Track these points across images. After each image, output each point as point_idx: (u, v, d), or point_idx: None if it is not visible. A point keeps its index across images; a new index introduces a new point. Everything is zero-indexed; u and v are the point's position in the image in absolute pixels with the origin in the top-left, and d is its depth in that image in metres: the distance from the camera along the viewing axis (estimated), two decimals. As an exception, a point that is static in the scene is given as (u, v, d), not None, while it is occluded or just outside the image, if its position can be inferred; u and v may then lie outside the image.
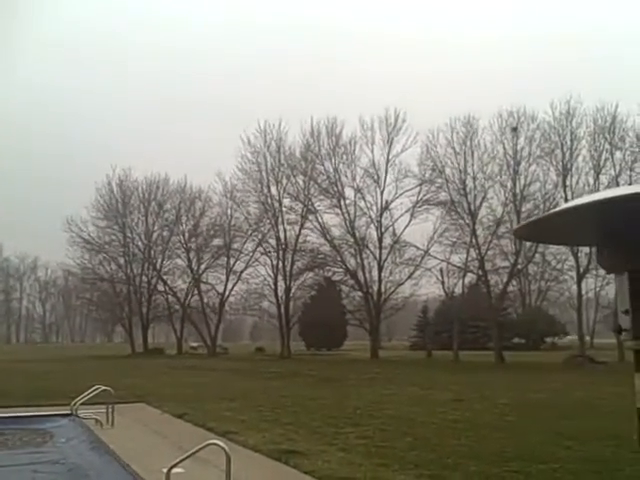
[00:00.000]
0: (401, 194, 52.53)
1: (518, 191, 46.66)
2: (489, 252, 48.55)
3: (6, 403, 17.03)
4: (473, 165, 47.87)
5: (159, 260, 62.46)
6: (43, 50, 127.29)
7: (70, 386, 21.51)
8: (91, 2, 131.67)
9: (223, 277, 60.43)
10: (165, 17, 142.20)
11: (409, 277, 53.85)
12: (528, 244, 44.32)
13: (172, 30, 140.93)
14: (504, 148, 47.13)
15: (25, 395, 19.39)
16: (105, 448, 11.08)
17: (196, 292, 61.45)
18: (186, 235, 61.60)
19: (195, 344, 66.67)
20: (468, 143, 47.84)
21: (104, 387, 13.58)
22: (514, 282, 55.36)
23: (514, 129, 46.68)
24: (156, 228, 62.33)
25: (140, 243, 62.24)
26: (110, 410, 13.19)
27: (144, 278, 63.09)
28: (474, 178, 47.94)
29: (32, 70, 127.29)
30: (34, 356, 52.35)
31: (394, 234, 53.75)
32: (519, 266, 49.55)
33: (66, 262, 64.63)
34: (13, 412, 15.43)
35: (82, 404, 13.99)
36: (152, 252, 62.19)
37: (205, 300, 61.34)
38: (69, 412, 14.27)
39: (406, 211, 52.46)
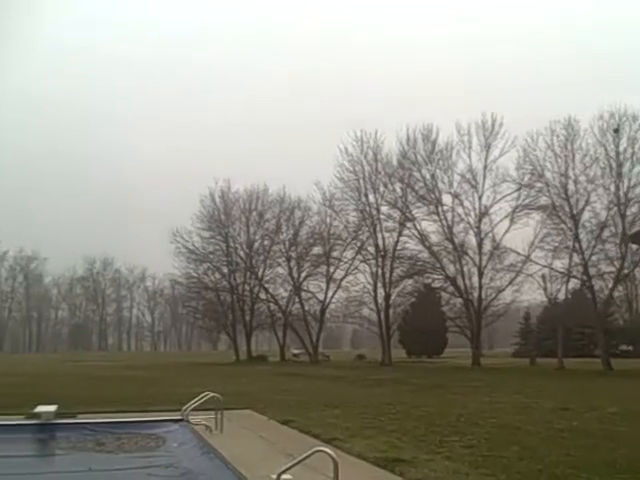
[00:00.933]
0: (500, 199, 51.87)
1: (622, 194, 45.14)
2: (593, 257, 47.11)
3: (121, 408, 17.79)
4: (574, 168, 46.77)
5: (261, 269, 63.60)
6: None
7: (179, 392, 22.25)
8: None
9: (323, 285, 60.98)
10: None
11: (510, 283, 52.87)
12: (634, 247, 42.80)
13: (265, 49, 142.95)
14: (606, 150, 45.82)
15: (138, 401, 20.18)
16: (215, 453, 11.37)
17: (297, 300, 62.17)
18: (286, 244, 62.49)
19: (297, 351, 67.39)
20: (569, 146, 46.76)
21: (213, 394, 13.94)
22: (620, 287, 53.40)
23: (616, 130, 45.25)
24: (257, 237, 63.57)
25: (242, 252, 63.56)
26: (219, 416, 13.53)
27: (247, 287, 64.35)
28: (575, 182, 46.83)
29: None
30: (144, 363, 54.18)
31: (494, 240, 52.98)
32: (625, 271, 47.82)
33: (172, 272, 66.81)
34: (128, 417, 16.09)
35: (192, 410, 14.40)
36: (254, 261, 63.37)
37: (306, 308, 61.98)
38: (180, 418, 14.71)
39: (505, 216, 51.70)
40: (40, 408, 15.34)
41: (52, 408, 15.33)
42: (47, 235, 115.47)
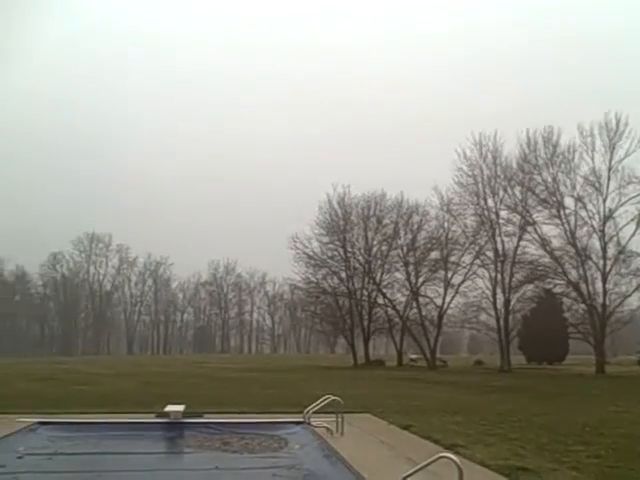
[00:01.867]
0: (625, 202, 49.88)
1: None
2: None
3: (244, 409, 18.30)
4: None
5: (378, 274, 63.68)
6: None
7: (299, 395, 22.65)
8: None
9: (441, 290, 60.38)
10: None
11: (636, 289, 50.67)
12: None
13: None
14: None
15: (259, 402, 20.70)
16: (337, 456, 11.52)
17: (415, 305, 61.86)
18: (404, 249, 62.31)
19: (414, 356, 66.97)
20: None
21: (334, 397, 14.10)
22: None
23: None
24: (375, 243, 63.70)
25: (360, 257, 63.87)
26: (339, 419, 13.69)
27: (365, 291, 64.56)
28: None
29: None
30: (264, 365, 55.36)
31: (618, 244, 50.94)
32: None
33: (292, 277, 67.83)
34: (251, 418, 16.55)
35: (313, 412, 14.63)
36: (372, 266, 63.54)
37: (424, 313, 61.55)
38: (301, 420, 14.97)
39: (632, 219, 49.56)
40: (169, 407, 16.03)
41: (180, 407, 15.99)
42: (174, 241, 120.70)
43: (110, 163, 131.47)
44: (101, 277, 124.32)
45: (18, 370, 37.46)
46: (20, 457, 12.62)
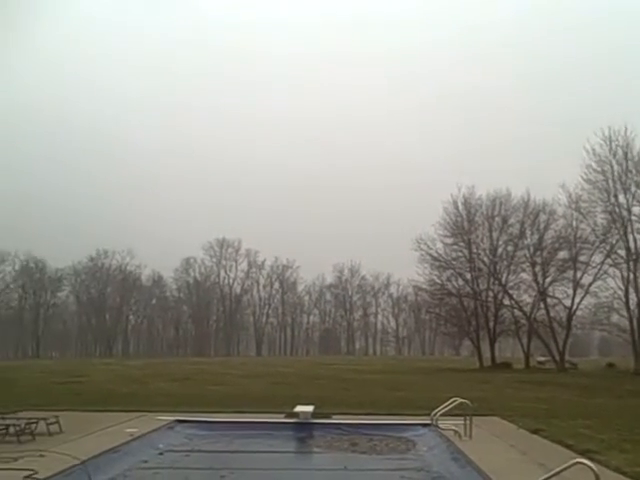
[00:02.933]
0: None
1: None
2: None
3: (370, 411, 18.49)
4: None
5: (504, 275, 62.36)
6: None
7: (425, 397, 22.62)
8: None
9: (570, 291, 58.35)
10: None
11: None
12: None
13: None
14: None
15: (385, 404, 20.83)
16: (465, 459, 11.47)
17: (542, 306, 60.14)
18: (531, 249, 60.70)
19: (542, 359, 65.01)
20: None
21: (461, 400, 14.01)
22: None
23: None
24: (500, 243, 62.39)
25: (485, 258, 62.74)
26: (467, 422, 13.60)
27: (490, 293, 63.37)
28: None
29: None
30: (389, 367, 55.38)
31: None
32: None
33: (416, 279, 67.35)
34: (378, 420, 16.70)
35: (440, 415, 14.59)
36: (497, 267, 62.32)
37: (552, 314, 59.72)
38: (429, 422, 14.95)
39: None
40: (299, 408, 16.44)
41: (309, 408, 16.36)
42: (300, 245, 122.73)
43: (239, 171, 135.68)
44: (231, 281, 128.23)
45: (155, 371, 39.22)
46: (161, 453, 13.35)
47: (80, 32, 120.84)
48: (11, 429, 13.30)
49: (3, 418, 14.09)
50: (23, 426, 13.34)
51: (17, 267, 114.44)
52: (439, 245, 62.58)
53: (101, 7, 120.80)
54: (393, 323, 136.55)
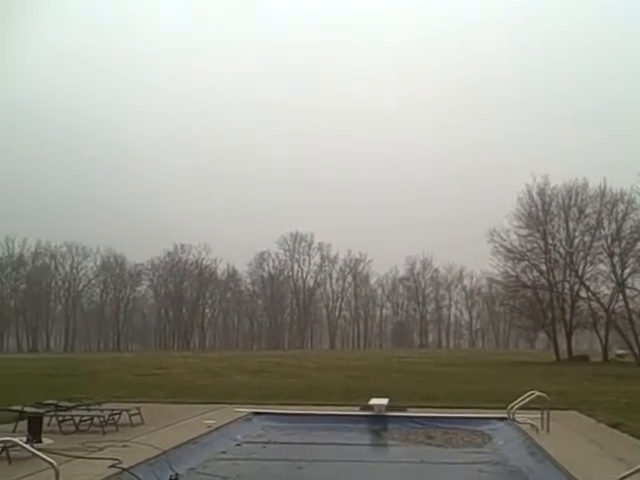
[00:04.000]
0: None
1: None
2: None
3: (444, 404, 18.42)
4: None
5: (581, 266, 60.96)
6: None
7: (499, 390, 22.38)
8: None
9: (650, 282, 56.68)
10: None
11: None
12: None
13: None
14: None
15: (458, 397, 20.71)
16: (543, 454, 11.32)
17: (621, 298, 58.55)
18: (608, 239, 59.16)
19: (621, 351, 63.24)
20: None
21: (538, 393, 13.80)
22: None
23: None
24: (577, 234, 60.97)
25: (561, 249, 61.45)
26: (545, 416, 13.41)
27: (566, 284, 62.05)
28: None
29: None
30: (462, 360, 54.92)
31: None
32: None
33: (489, 271, 66.66)
34: (453, 413, 16.64)
35: (517, 409, 14.40)
36: (574, 258, 60.97)
37: (631, 306, 58.10)
38: (505, 416, 14.76)
39: None
40: (373, 401, 16.53)
41: (384, 401, 16.42)
42: (372, 238, 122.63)
43: (311, 165, 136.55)
44: (304, 274, 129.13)
45: (231, 363, 39.92)
46: (238, 444, 13.66)
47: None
48: (96, 420, 13.79)
49: (88, 409, 14.66)
50: (107, 417, 13.81)
51: (98, 263, 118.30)
52: (513, 236, 61.54)
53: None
54: (466, 316, 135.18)
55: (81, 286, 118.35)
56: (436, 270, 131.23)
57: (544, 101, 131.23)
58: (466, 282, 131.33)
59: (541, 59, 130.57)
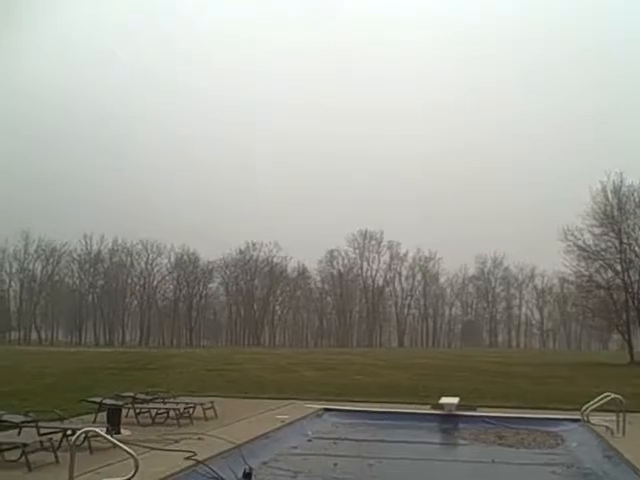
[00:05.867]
0: None
1: None
2: None
3: (515, 404, 18.22)
4: None
5: (659, 266, 59.20)
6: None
7: (572, 391, 21.98)
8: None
9: None
10: None
11: None
12: None
13: None
14: None
15: (531, 398, 20.42)
16: (619, 457, 11.09)
17: None
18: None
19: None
20: None
21: (614, 395, 13.51)
22: None
23: None
24: (655, 233, 59.28)
25: (637, 249, 59.79)
26: (621, 419, 13.12)
27: (642, 285, 60.38)
28: None
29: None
30: (533, 361, 53.99)
31: None
32: None
33: (561, 270, 65.35)
34: (525, 413, 16.45)
35: (591, 410, 14.12)
36: (650, 258, 59.25)
37: None
38: (578, 417, 14.47)
39: None
40: (444, 400, 16.50)
41: (454, 400, 16.38)
42: (442, 236, 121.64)
43: (381, 164, 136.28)
44: (373, 272, 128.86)
45: (301, 360, 40.24)
46: (309, 440, 13.85)
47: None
48: (171, 413, 14.19)
49: (164, 402, 15.08)
50: (182, 410, 14.20)
51: (172, 260, 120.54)
52: (587, 235, 60.11)
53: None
54: (537, 315, 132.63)
55: (155, 282, 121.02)
56: (507, 269, 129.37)
57: (618, 97, 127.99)
58: (537, 281, 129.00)
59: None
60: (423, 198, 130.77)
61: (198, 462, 9.74)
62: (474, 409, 16.50)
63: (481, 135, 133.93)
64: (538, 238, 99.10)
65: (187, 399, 15.82)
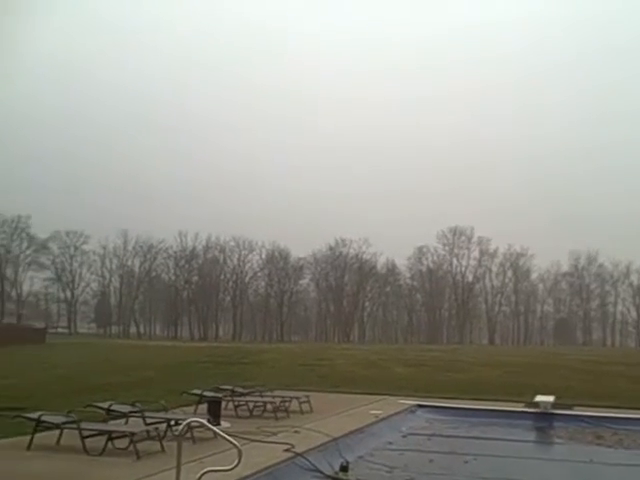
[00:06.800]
0: None
1: None
2: None
3: (613, 404, 17.80)
4: None
5: None
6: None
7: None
8: None
9: None
10: None
11: None
12: None
13: None
14: None
15: (630, 397, 19.92)
16: None
17: None
18: None
19: None
20: None
21: None
22: None
23: None
24: None
25: None
26: None
27: None
28: None
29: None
30: (631, 360, 52.23)
31: None
32: None
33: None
34: (623, 413, 16.09)
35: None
36: None
37: None
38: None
39: None
40: (539, 398, 16.34)
41: (550, 398, 16.20)
42: (534, 232, 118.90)
43: (471, 156, 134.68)
44: (463, 269, 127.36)
45: (391, 356, 40.16)
46: (404, 436, 14.01)
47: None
48: (268, 406, 14.62)
49: (261, 396, 15.53)
50: (278, 404, 14.59)
51: (264, 256, 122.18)
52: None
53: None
54: (634, 313, 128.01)
55: (247, 279, 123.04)
56: (601, 265, 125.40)
57: None
58: (633, 278, 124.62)
59: None
60: (514, 194, 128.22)
61: (296, 454, 10.03)
62: (570, 408, 16.27)
63: (574, 127, 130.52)
64: (635, 234, 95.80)
65: (283, 393, 16.16)
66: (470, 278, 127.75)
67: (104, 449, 9.94)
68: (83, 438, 10.03)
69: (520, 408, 16.45)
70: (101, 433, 10.39)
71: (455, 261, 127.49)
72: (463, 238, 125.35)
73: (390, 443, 13.03)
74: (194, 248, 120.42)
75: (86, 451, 9.86)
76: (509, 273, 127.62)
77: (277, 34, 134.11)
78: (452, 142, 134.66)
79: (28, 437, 10.40)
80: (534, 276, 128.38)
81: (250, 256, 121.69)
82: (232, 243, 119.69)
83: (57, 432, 10.57)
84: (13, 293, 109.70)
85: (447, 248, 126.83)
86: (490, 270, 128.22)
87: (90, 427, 10.55)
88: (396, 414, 15.30)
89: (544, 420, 15.65)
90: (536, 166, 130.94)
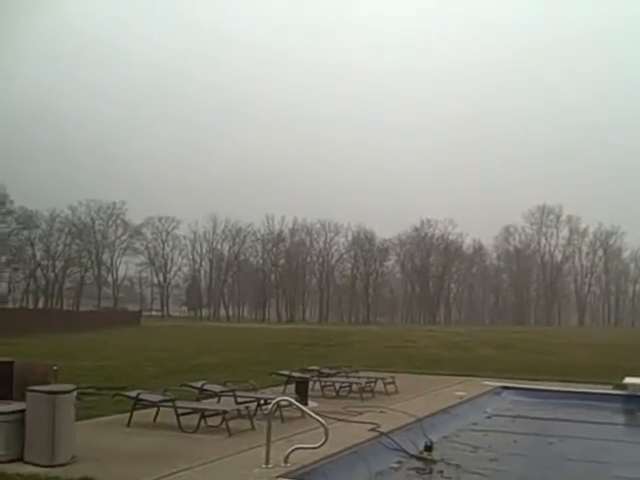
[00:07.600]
0: None
1: None
2: None
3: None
4: None
5: None
6: None
7: None
8: None
9: None
10: None
11: None
12: None
13: None
14: None
15: None
16: None
17: None
18: None
19: None
20: None
21: None
22: None
23: None
24: None
25: None
26: None
27: None
28: None
29: None
30: None
31: None
32: None
33: None
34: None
35: None
36: None
37: None
38: None
39: None
40: (628, 380, 16.08)
41: (639, 381, 15.92)
42: (626, 208, 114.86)
43: (559, 136, 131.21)
44: (551, 248, 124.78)
45: (477, 338, 39.99)
46: (488, 417, 14.14)
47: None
48: (354, 387, 14.97)
49: (347, 376, 15.91)
50: (364, 384, 14.90)
51: (349, 238, 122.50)
52: None
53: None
54: None
55: (334, 261, 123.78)
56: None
57: None
58: None
59: None
60: (603, 170, 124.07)
61: (382, 434, 10.25)
62: (662, 390, 15.96)
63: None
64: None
65: (368, 374, 16.45)
66: (559, 258, 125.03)
67: (198, 426, 10.39)
68: (178, 416, 10.54)
69: (608, 390, 16.26)
70: (195, 411, 10.84)
71: (543, 240, 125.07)
72: (551, 217, 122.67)
73: (474, 424, 13.18)
74: (281, 231, 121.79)
75: (181, 428, 10.34)
76: (599, 252, 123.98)
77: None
78: (534, 120, 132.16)
79: (126, 415, 10.93)
80: (625, 254, 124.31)
81: (336, 238, 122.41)
82: (318, 226, 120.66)
83: (154, 410, 11.11)
84: (109, 278, 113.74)
85: (535, 227, 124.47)
86: (579, 249, 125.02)
87: (185, 405, 11.05)
88: (480, 395, 15.41)
89: (633, 402, 15.44)
90: (626, 142, 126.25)
